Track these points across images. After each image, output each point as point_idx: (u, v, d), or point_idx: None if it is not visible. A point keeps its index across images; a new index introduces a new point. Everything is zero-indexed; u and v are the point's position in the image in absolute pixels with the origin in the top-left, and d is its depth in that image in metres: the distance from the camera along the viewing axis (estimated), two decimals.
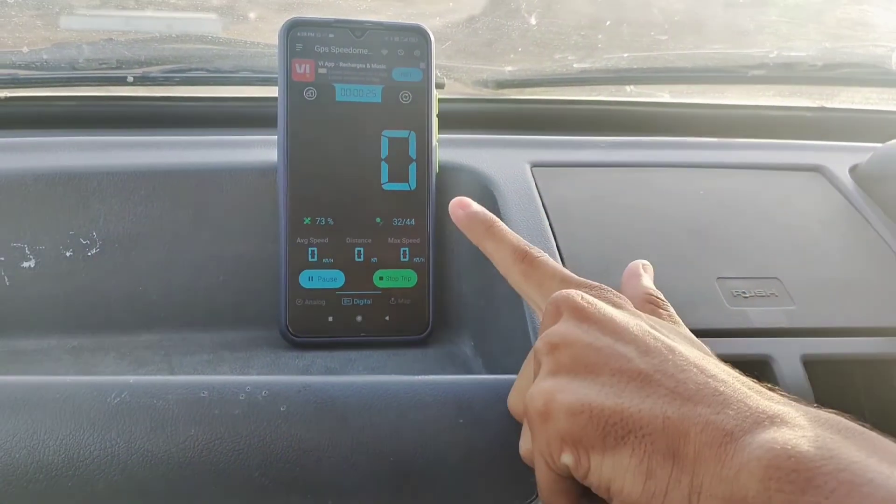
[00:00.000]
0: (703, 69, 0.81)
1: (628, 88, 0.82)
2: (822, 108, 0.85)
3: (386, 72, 0.61)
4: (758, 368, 0.51)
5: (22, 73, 0.68)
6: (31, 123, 0.70)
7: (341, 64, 0.60)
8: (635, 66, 0.80)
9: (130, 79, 0.70)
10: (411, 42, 0.61)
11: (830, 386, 0.52)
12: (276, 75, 0.60)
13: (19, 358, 0.55)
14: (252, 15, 0.82)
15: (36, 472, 0.39)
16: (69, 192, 0.58)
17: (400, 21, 0.62)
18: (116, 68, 0.70)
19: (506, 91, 0.80)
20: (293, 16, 0.60)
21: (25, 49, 0.68)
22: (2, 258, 0.57)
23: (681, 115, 0.83)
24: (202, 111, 0.74)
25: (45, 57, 0.69)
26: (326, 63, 0.60)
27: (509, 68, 0.79)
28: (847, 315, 0.54)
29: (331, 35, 0.60)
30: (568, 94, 0.82)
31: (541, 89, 0.81)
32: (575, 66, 0.79)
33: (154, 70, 0.71)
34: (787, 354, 0.51)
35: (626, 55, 0.79)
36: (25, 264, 0.57)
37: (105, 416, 0.40)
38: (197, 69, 0.72)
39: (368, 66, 0.61)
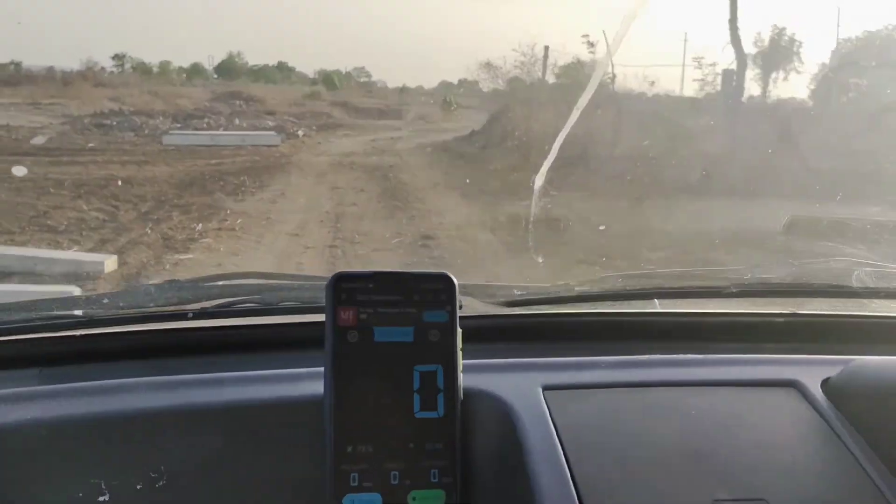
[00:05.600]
0: (689, 287, 0.92)
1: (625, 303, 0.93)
2: (794, 314, 0.96)
3: (417, 314, 0.71)
4: None
5: (97, 313, 0.78)
6: (103, 357, 0.79)
7: (379, 310, 0.70)
8: (628, 285, 0.91)
9: (191, 314, 0.81)
10: (438, 288, 0.72)
11: None
12: (315, 304, 0.70)
13: None
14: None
15: None
16: (140, 431, 0.66)
17: (429, 270, 0.72)
18: (178, 304, 0.81)
19: (515, 308, 0.91)
20: (339, 271, 0.71)
21: (106, 300, 0.79)
22: (80, 494, 0.64)
23: (669, 322, 0.93)
24: (253, 338, 0.84)
25: (119, 302, 0.80)
26: (367, 309, 0.70)
27: (518, 290, 0.91)
28: None
29: (370, 285, 0.71)
30: (570, 308, 0.92)
31: (546, 307, 0.91)
32: (576, 289, 0.90)
33: (210, 305, 0.81)
34: None
35: (619, 276, 0.91)
36: (101, 498, 0.65)
37: None
38: (246, 302, 0.83)
39: (402, 310, 0.71)
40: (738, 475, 0.66)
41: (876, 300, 0.96)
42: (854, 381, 0.75)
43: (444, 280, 0.72)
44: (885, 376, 0.72)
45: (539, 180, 1.05)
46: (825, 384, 0.77)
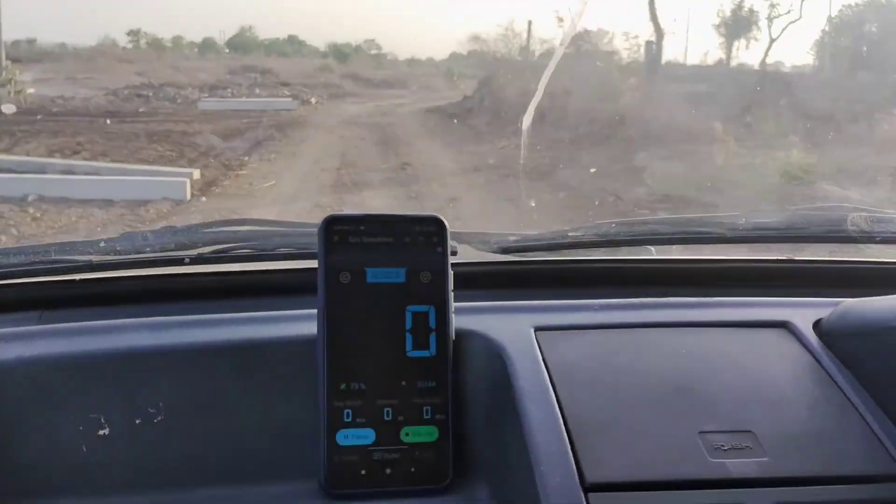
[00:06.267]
0: (683, 232, 0.92)
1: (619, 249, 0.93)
2: (790, 260, 0.96)
3: (409, 256, 0.72)
4: None
5: (96, 258, 0.79)
6: (102, 301, 0.81)
7: (371, 252, 0.71)
8: (623, 231, 0.91)
9: (187, 260, 0.82)
10: (430, 230, 0.73)
11: None
12: (309, 250, 0.71)
13: None
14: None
15: None
16: (137, 369, 0.68)
17: (420, 213, 0.73)
18: (174, 250, 0.82)
19: (510, 255, 0.92)
20: (331, 213, 0.72)
21: (102, 243, 0.81)
22: (81, 427, 0.66)
23: (663, 269, 0.94)
24: (248, 283, 0.85)
25: (116, 247, 0.81)
26: (358, 251, 0.71)
27: (513, 237, 0.91)
28: (814, 465, 0.62)
29: (361, 227, 0.71)
30: (565, 255, 0.93)
31: (540, 253, 0.92)
32: (570, 235, 0.90)
33: (207, 251, 0.82)
34: (759, 502, 0.58)
35: (613, 223, 0.91)
36: (101, 432, 0.66)
37: None
38: (242, 248, 0.84)
39: (394, 252, 0.72)
40: (725, 409, 0.67)
41: (873, 245, 0.96)
42: (844, 320, 0.76)
43: (436, 223, 0.73)
44: (873, 315, 0.73)
45: (527, 120, 1.05)
46: (817, 325, 0.78)
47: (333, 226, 0.71)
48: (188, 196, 4.83)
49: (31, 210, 4.33)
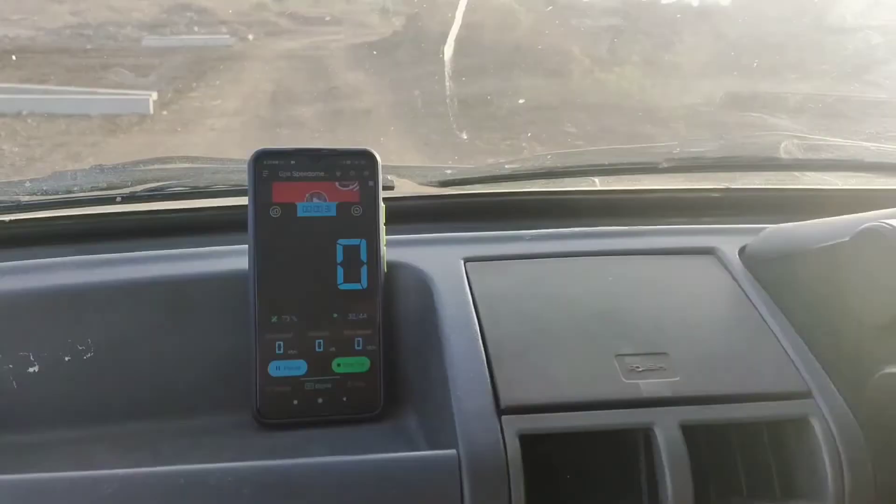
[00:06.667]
0: (620, 163, 0.93)
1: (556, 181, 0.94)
2: (727, 189, 0.97)
3: (339, 190, 0.72)
4: (642, 435, 0.61)
5: (24, 198, 0.79)
6: (33, 242, 0.80)
7: (301, 185, 0.71)
8: (559, 164, 0.92)
9: (119, 199, 0.81)
10: (361, 164, 0.73)
11: (709, 450, 0.62)
12: (243, 186, 0.71)
13: (24, 451, 0.65)
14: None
15: None
16: (67, 306, 0.68)
17: (350, 147, 0.73)
18: (106, 189, 0.82)
19: (448, 188, 0.92)
20: (260, 147, 0.71)
21: (28, 183, 0.80)
22: (10, 365, 0.67)
23: (599, 200, 0.95)
24: (181, 221, 0.85)
25: (43, 186, 0.80)
26: (288, 185, 0.71)
27: (449, 170, 0.91)
28: (724, 385, 0.65)
29: (292, 161, 0.71)
30: (502, 188, 0.93)
31: (477, 186, 0.92)
32: (507, 167, 0.91)
33: (139, 189, 0.82)
34: (668, 422, 0.61)
35: (549, 155, 0.91)
36: (31, 369, 0.67)
37: None
38: (175, 186, 0.84)
39: (324, 185, 0.72)
40: (643, 333, 0.69)
41: (808, 172, 0.98)
42: (767, 245, 0.77)
43: (367, 156, 0.73)
44: (794, 240, 0.74)
45: (448, 51, 1.04)
46: (742, 251, 0.79)
47: (263, 160, 0.71)
48: (151, 111, 5.31)
49: (29, 121, 4.65)
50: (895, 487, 0.61)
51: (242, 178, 0.76)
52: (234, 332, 0.71)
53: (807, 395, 0.65)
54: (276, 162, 0.71)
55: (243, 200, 0.72)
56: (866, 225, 0.62)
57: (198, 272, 0.72)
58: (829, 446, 0.62)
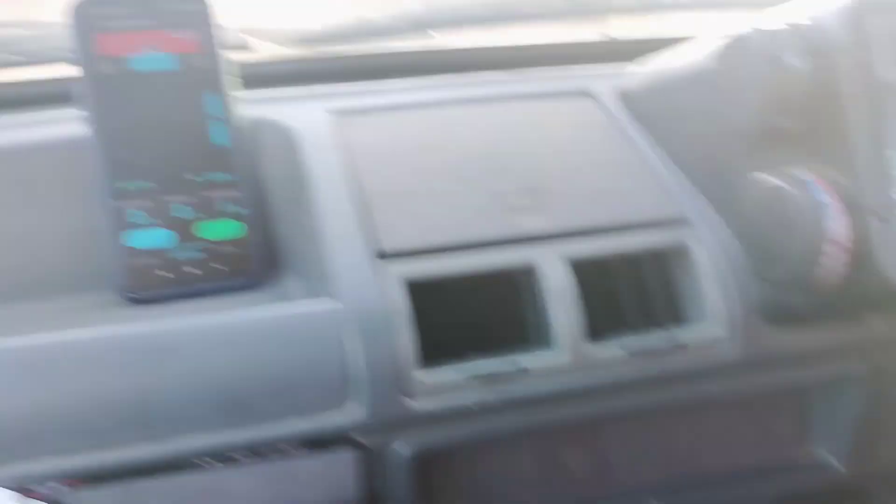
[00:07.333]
0: (499, 13, 0.89)
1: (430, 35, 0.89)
2: (609, 37, 0.95)
3: (176, 39, 0.65)
4: (528, 274, 0.60)
5: None
6: None
7: (133, 36, 0.64)
8: (431, 16, 0.87)
9: None
10: (193, 10, 0.65)
11: (596, 285, 0.62)
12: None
13: None
14: None
15: None
16: None
17: None
18: None
19: (313, 47, 0.86)
20: None
21: None
22: None
23: (477, 53, 0.91)
24: (15, 93, 0.76)
25: None
26: (119, 36, 0.64)
27: (315, 27, 0.85)
28: (604, 217, 0.64)
29: (120, 10, 0.64)
30: (375, 46, 0.88)
31: (349, 45, 0.86)
32: (379, 21, 0.85)
33: None
34: (551, 255, 0.60)
35: (422, 6, 0.86)
36: None
37: None
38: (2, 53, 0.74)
39: (160, 36, 0.65)
40: (523, 173, 0.67)
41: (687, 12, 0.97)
42: (643, 81, 0.76)
43: (201, 2, 0.66)
44: (664, 70, 0.73)
45: None
46: (617, 90, 0.78)
47: (88, 9, 0.63)
48: None
49: None
50: (778, 300, 0.63)
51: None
52: (84, 205, 0.64)
53: (686, 222, 0.65)
54: (103, 11, 0.63)
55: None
56: (729, 36, 0.61)
57: (37, 140, 0.65)
58: (710, 269, 0.62)
